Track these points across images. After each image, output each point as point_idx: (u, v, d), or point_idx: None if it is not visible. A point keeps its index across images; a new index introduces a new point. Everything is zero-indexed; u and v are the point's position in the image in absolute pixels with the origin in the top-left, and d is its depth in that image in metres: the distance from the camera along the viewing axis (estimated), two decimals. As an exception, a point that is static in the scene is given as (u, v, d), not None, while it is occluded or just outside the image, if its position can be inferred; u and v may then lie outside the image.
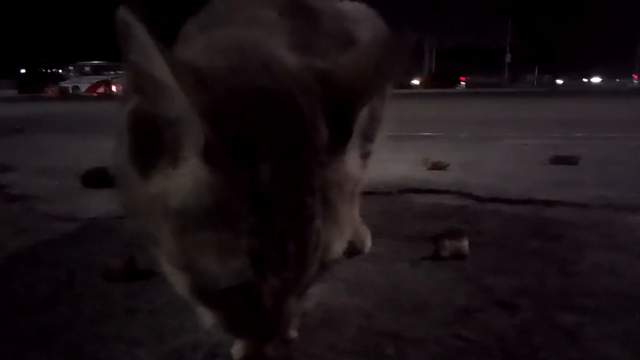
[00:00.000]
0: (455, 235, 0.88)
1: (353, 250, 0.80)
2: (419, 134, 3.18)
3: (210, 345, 0.59)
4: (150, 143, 0.44)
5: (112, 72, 19.63)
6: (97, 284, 0.79)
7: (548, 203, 1.25)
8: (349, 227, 0.49)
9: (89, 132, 3.39)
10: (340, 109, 0.44)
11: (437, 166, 1.85)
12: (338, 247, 0.47)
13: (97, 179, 1.56)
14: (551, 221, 1.10)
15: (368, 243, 0.91)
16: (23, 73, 24.73)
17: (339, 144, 0.45)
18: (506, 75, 32.90)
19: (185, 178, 0.42)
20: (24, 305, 0.73)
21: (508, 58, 32.84)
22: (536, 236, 0.98)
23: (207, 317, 0.49)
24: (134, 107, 0.45)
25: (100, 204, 1.33)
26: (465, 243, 0.87)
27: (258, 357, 0.51)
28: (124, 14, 0.38)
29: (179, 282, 0.47)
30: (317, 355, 0.57)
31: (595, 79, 43.83)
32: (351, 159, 0.48)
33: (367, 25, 0.79)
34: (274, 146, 0.41)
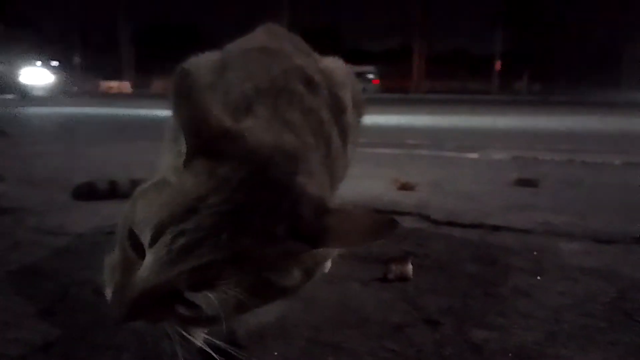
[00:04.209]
0: (401, 260, 1.02)
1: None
2: (399, 146, 3.36)
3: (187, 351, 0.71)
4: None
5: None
6: (87, 296, 0.91)
7: (495, 228, 1.40)
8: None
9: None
10: None
11: (405, 187, 2.00)
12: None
13: (87, 193, 1.68)
14: (492, 246, 1.24)
15: (328, 264, 1.05)
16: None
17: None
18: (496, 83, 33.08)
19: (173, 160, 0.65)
20: (27, 315, 0.84)
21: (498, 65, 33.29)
22: (475, 261, 1.13)
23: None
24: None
25: (87, 218, 1.44)
26: (409, 267, 1.01)
27: None
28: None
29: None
30: (270, 362, 0.70)
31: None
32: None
33: (349, 87, 0.99)
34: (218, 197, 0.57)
